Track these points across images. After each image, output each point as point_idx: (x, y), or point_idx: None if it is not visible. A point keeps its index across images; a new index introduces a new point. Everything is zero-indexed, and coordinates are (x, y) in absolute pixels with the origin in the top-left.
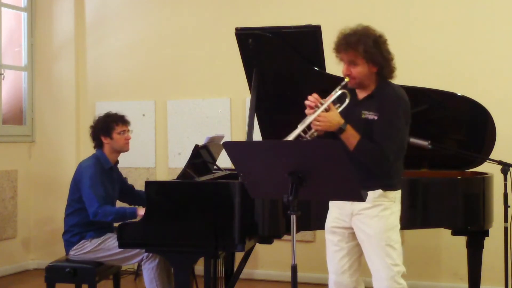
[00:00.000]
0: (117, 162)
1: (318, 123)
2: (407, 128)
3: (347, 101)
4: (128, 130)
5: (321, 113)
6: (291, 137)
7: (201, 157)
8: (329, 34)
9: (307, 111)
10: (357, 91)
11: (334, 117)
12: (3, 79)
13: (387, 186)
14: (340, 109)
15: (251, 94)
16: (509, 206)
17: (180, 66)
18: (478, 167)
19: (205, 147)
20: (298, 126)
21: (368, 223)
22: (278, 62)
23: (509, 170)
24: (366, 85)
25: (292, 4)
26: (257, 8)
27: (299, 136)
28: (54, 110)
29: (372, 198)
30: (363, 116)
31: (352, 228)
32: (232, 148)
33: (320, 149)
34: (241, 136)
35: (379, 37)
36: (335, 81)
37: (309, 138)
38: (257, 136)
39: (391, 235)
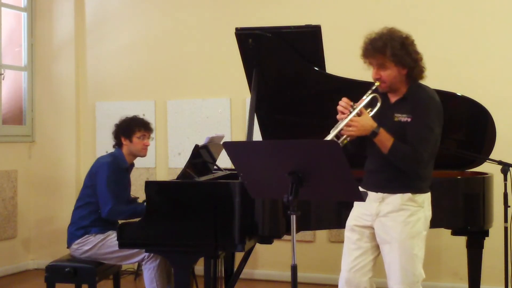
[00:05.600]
0: (132, 164)
1: (350, 128)
2: (440, 129)
3: (378, 105)
4: (149, 137)
5: (353, 117)
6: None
7: (201, 157)
8: (329, 34)
9: (338, 116)
10: (389, 95)
11: (367, 121)
12: (3, 79)
13: (417, 189)
14: (372, 113)
15: (251, 94)
16: (509, 206)
17: (180, 66)
18: (478, 167)
19: (205, 147)
20: (331, 131)
21: (394, 227)
22: (278, 62)
23: (509, 170)
24: (397, 88)
25: (292, 4)
26: (257, 8)
27: None
28: (54, 110)
29: (400, 201)
30: (395, 119)
31: (373, 228)
32: (232, 148)
33: (320, 149)
34: (241, 136)
35: (405, 38)
36: (335, 81)
37: (340, 144)
38: (257, 136)
39: (415, 242)
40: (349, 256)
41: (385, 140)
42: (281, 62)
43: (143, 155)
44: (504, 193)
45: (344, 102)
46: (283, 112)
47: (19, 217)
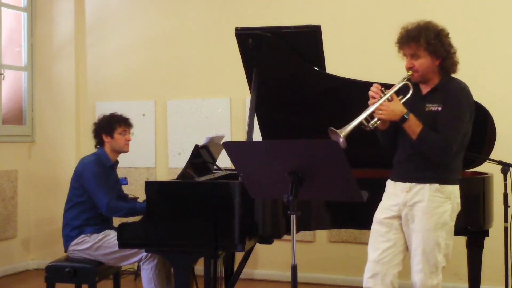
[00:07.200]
0: (117, 162)
1: (380, 112)
2: (471, 122)
3: (410, 92)
4: (130, 132)
5: (384, 102)
6: (352, 124)
7: (201, 157)
8: (330, 34)
9: (369, 102)
10: (421, 86)
11: (397, 106)
12: (3, 79)
13: (445, 180)
14: (403, 100)
15: (251, 94)
16: (509, 206)
17: (180, 66)
18: (478, 167)
19: (205, 147)
20: (362, 113)
21: (420, 218)
22: (278, 62)
23: (509, 170)
24: (429, 79)
25: (292, 4)
26: (257, 8)
27: (360, 124)
28: (54, 110)
29: (428, 192)
30: (427, 109)
31: (400, 218)
32: (232, 148)
33: (319, 149)
34: (241, 136)
35: (441, 30)
36: (335, 81)
37: (371, 127)
38: (257, 136)
39: (439, 233)
40: (378, 248)
41: (414, 126)
42: (281, 62)
43: (126, 151)
44: (504, 193)
45: (375, 87)
46: (283, 112)
47: (19, 217)
